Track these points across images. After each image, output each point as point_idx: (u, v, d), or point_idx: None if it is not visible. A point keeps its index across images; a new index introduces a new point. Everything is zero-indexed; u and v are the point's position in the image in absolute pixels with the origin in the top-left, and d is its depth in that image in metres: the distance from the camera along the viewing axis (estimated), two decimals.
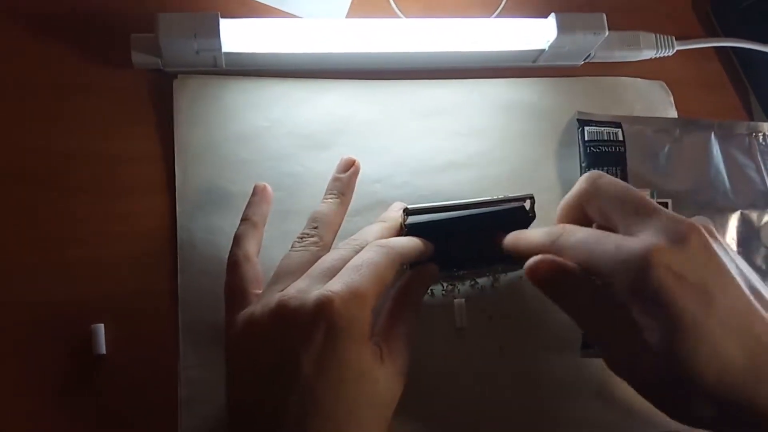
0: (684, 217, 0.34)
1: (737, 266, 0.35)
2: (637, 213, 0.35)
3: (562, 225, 0.38)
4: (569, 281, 0.36)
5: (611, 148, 0.49)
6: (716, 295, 0.32)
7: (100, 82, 0.46)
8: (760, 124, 0.53)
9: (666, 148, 0.50)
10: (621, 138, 0.49)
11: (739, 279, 0.34)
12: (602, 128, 0.49)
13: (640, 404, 0.36)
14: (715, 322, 0.32)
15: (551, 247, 0.37)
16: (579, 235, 0.36)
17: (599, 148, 0.48)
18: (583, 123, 0.49)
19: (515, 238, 0.41)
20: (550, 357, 0.47)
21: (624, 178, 0.48)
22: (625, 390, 0.36)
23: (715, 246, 0.34)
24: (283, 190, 0.46)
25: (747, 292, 0.34)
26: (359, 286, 0.35)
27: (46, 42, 0.47)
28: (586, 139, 0.49)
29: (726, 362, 0.32)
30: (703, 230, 0.34)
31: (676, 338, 0.32)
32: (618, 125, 0.50)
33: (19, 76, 0.46)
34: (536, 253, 0.37)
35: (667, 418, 0.35)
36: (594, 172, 0.38)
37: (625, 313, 0.34)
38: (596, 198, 0.37)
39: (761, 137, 0.52)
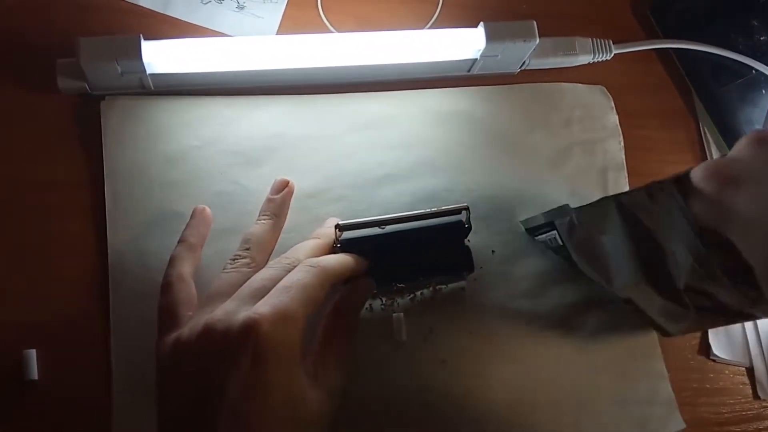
0: None
1: None
2: None
3: None
4: None
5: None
6: None
7: (28, 108, 0.46)
8: None
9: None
10: (561, 242, 0.44)
11: None
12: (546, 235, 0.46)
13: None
14: None
15: None
16: None
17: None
18: (531, 232, 0.48)
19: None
20: (494, 369, 0.46)
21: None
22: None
23: None
24: (217, 208, 0.45)
25: None
26: (287, 307, 0.34)
27: None
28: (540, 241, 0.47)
29: None
30: None
31: None
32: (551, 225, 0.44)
33: None
34: None
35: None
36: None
37: None
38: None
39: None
